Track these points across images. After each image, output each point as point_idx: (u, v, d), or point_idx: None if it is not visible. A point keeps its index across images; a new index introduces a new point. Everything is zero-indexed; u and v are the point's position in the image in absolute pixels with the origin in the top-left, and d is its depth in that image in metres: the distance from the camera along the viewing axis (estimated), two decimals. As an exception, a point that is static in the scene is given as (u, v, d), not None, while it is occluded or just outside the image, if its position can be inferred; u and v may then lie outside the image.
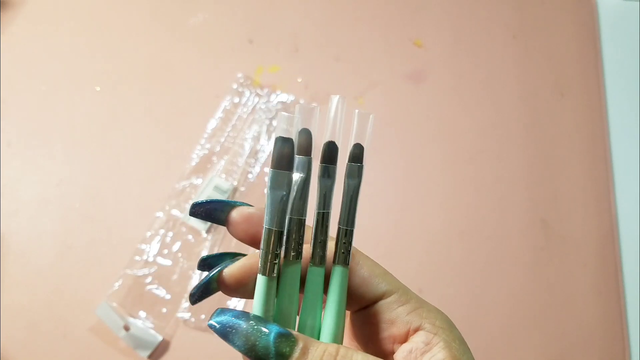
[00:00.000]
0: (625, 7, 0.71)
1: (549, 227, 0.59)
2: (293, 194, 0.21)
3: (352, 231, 0.22)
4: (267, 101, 0.61)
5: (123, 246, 0.54)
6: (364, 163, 0.22)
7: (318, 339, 0.22)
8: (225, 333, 0.20)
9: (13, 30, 0.62)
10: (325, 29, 0.66)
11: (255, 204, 0.24)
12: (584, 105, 0.65)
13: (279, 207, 0.21)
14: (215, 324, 0.20)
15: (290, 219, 0.22)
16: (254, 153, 0.59)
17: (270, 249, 0.21)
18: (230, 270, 0.22)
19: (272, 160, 0.21)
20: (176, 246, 0.54)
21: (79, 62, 0.62)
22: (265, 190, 0.21)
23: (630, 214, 0.61)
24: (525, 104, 0.65)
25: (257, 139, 0.59)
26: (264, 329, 0.20)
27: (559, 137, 0.63)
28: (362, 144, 0.22)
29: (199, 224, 0.55)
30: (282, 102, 0.61)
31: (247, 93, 0.61)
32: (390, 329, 0.22)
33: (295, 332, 0.20)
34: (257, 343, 0.20)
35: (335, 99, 0.22)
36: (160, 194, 0.56)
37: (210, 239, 0.55)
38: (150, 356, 0.50)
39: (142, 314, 0.52)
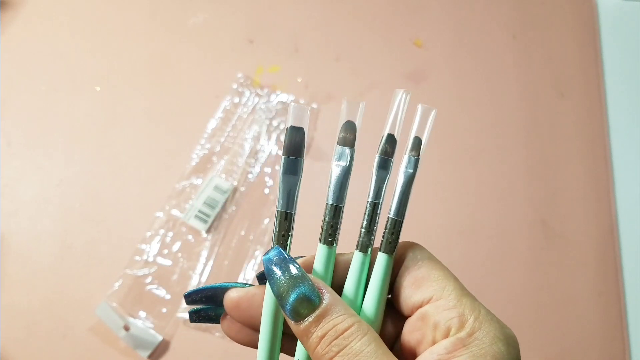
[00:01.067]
0: (625, 7, 0.71)
1: (549, 227, 0.59)
2: (334, 181, 0.23)
3: (401, 222, 0.23)
4: (267, 101, 0.61)
5: (123, 246, 0.54)
6: (420, 156, 0.23)
7: None
8: (268, 272, 0.21)
9: (13, 30, 0.62)
10: (325, 29, 0.66)
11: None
12: (584, 105, 0.65)
13: (289, 191, 0.22)
14: (265, 259, 0.21)
15: (329, 205, 0.22)
16: (254, 153, 0.59)
17: (282, 231, 0.22)
18: (236, 292, 0.23)
19: (284, 148, 0.22)
20: (176, 246, 0.54)
21: (79, 62, 0.62)
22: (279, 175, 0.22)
23: (630, 214, 0.61)
24: (525, 104, 0.65)
25: (257, 139, 0.59)
26: (295, 285, 0.20)
27: (559, 137, 0.63)
28: (421, 137, 0.23)
29: (199, 224, 0.55)
30: (282, 102, 0.61)
31: (247, 93, 0.61)
32: (434, 334, 0.21)
33: (326, 295, 0.20)
34: (284, 295, 0.20)
35: (399, 93, 0.23)
36: (160, 194, 0.56)
37: (210, 239, 0.55)
38: (150, 356, 0.50)
39: (142, 314, 0.52)
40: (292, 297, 0.20)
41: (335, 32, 0.66)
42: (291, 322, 0.20)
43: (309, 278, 0.21)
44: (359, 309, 0.23)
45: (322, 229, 0.22)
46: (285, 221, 0.22)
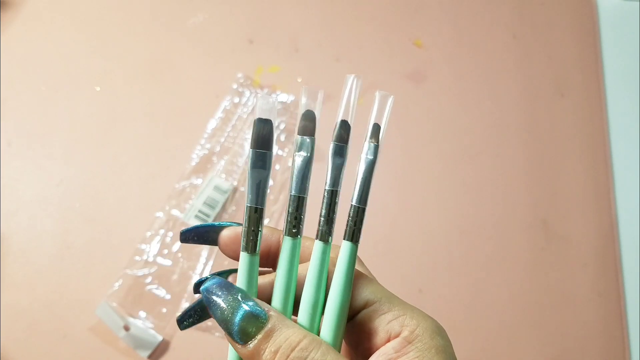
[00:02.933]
0: (625, 7, 0.71)
1: (549, 227, 0.59)
2: (296, 172, 0.22)
3: (364, 209, 0.23)
4: (267, 101, 0.61)
5: (123, 246, 0.54)
6: (380, 142, 0.23)
7: (322, 314, 0.22)
8: (207, 300, 0.21)
9: (13, 30, 0.62)
10: (325, 29, 0.66)
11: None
12: (584, 105, 0.65)
13: (258, 185, 0.22)
14: (203, 290, 0.21)
15: (292, 196, 0.22)
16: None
17: (252, 227, 0.22)
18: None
19: (252, 141, 0.22)
20: (176, 246, 0.54)
21: (79, 62, 0.62)
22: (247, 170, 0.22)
23: (630, 214, 0.61)
24: (525, 104, 0.65)
25: (257, 139, 0.59)
26: (238, 305, 0.20)
27: (559, 137, 0.63)
28: (379, 124, 0.23)
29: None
30: (282, 102, 0.61)
31: (247, 93, 0.61)
32: (372, 338, 0.22)
33: (271, 312, 0.20)
34: (228, 318, 0.20)
35: (350, 78, 0.23)
36: (160, 194, 0.56)
37: (210, 239, 0.55)
38: (150, 356, 0.50)
39: (142, 314, 0.52)
40: (238, 317, 0.20)
41: (335, 32, 0.66)
42: (238, 346, 0.20)
43: (251, 297, 0.21)
44: (322, 300, 0.22)
45: (285, 221, 0.22)
46: (255, 215, 0.22)
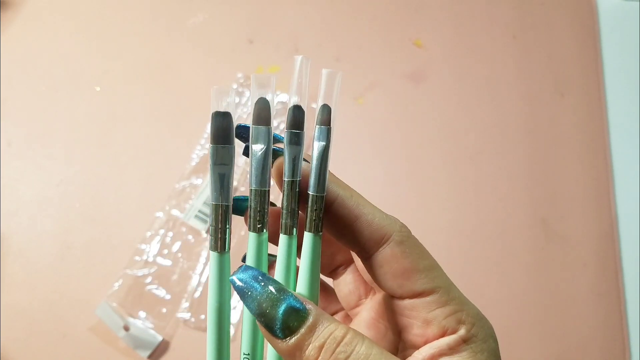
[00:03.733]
0: (625, 7, 0.71)
1: (549, 227, 0.59)
2: (255, 164, 0.21)
3: (322, 197, 0.21)
4: (267, 101, 0.61)
5: (123, 246, 0.54)
6: (332, 125, 0.22)
7: None
8: (242, 293, 0.20)
9: (13, 30, 0.62)
10: (325, 29, 0.66)
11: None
12: (584, 105, 0.65)
13: (222, 182, 0.21)
14: (236, 280, 0.20)
15: (253, 190, 0.21)
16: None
17: (219, 224, 0.21)
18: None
19: (211, 136, 0.21)
20: (176, 246, 0.54)
21: (79, 62, 0.62)
22: (208, 167, 0.21)
23: (630, 214, 0.61)
24: (525, 104, 0.65)
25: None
26: (278, 299, 0.19)
27: (559, 137, 0.63)
28: (329, 105, 0.21)
29: (199, 224, 0.55)
30: (282, 102, 0.61)
31: (247, 93, 0.61)
32: (425, 328, 0.21)
33: (310, 306, 0.20)
34: (268, 311, 0.19)
35: (298, 59, 0.21)
36: (160, 194, 0.56)
37: (210, 239, 0.55)
38: (150, 356, 0.50)
39: (142, 314, 0.52)
40: (281, 310, 0.19)
41: (335, 32, 0.66)
42: (277, 341, 0.19)
43: (288, 290, 0.20)
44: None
45: (249, 216, 0.21)
46: (222, 213, 0.21)
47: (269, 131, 0.21)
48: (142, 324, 0.51)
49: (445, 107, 0.63)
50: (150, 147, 0.58)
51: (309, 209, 0.21)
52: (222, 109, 0.20)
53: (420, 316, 0.21)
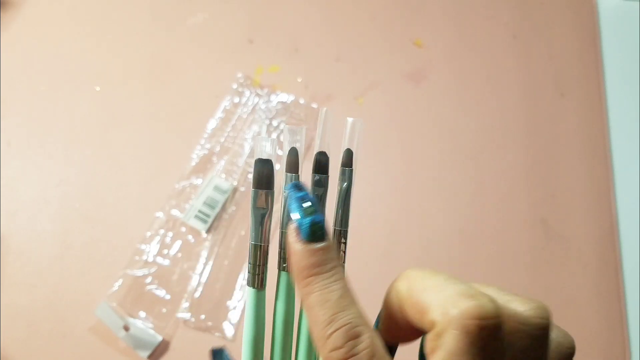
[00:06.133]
0: (625, 7, 0.71)
1: (549, 227, 0.59)
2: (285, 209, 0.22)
3: (346, 231, 0.23)
4: (267, 101, 0.61)
5: (123, 246, 0.54)
6: (354, 167, 0.23)
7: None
8: (289, 202, 0.21)
9: (13, 30, 0.62)
10: (325, 29, 0.66)
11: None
12: (584, 105, 0.65)
13: (262, 223, 0.22)
14: (287, 190, 0.21)
15: (283, 232, 0.22)
16: (254, 153, 0.58)
17: (257, 262, 0.22)
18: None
19: (253, 181, 0.22)
20: (176, 246, 0.54)
21: (79, 62, 0.62)
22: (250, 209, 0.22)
23: (630, 214, 0.61)
24: (525, 104, 0.65)
25: (257, 139, 0.59)
26: (316, 211, 0.20)
27: (559, 137, 0.63)
28: (352, 149, 0.23)
29: (199, 224, 0.55)
30: (282, 102, 0.61)
31: (247, 93, 0.61)
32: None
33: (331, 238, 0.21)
34: (306, 213, 0.20)
35: (322, 111, 0.23)
36: (160, 194, 0.56)
37: (210, 239, 0.55)
38: (150, 356, 0.50)
39: (142, 314, 0.52)
40: (315, 218, 0.20)
41: (335, 32, 0.66)
42: (298, 240, 0.20)
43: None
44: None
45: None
46: (259, 252, 0.22)
47: (297, 178, 0.23)
48: (142, 324, 0.51)
49: (445, 107, 0.63)
50: (150, 147, 0.58)
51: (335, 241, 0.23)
52: (264, 156, 0.22)
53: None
